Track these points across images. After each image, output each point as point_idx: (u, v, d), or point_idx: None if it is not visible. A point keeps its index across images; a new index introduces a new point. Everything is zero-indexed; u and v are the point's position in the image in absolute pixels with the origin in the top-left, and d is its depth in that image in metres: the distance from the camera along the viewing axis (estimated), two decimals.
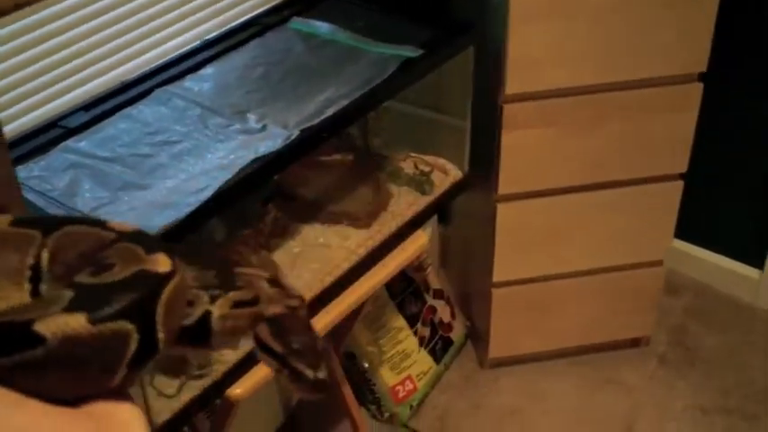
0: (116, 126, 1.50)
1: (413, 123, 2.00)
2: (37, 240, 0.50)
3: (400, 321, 2.26)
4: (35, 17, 1.55)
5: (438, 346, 2.36)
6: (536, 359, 2.41)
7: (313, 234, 1.73)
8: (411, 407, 2.28)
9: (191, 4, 1.79)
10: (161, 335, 0.45)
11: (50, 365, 0.41)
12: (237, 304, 0.64)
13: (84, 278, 0.46)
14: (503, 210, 2.09)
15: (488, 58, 1.88)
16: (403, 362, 2.26)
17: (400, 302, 2.27)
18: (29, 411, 0.40)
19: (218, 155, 1.43)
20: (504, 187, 2.05)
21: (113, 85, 1.62)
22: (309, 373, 0.64)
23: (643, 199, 2.14)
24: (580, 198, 2.11)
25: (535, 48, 1.86)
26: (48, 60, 1.59)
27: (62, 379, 0.42)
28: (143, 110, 1.54)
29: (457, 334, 2.42)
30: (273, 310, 0.67)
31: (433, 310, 2.34)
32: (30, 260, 0.49)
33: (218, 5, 1.84)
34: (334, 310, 1.66)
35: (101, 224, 0.52)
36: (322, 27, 1.76)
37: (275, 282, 0.69)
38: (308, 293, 1.60)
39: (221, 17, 1.85)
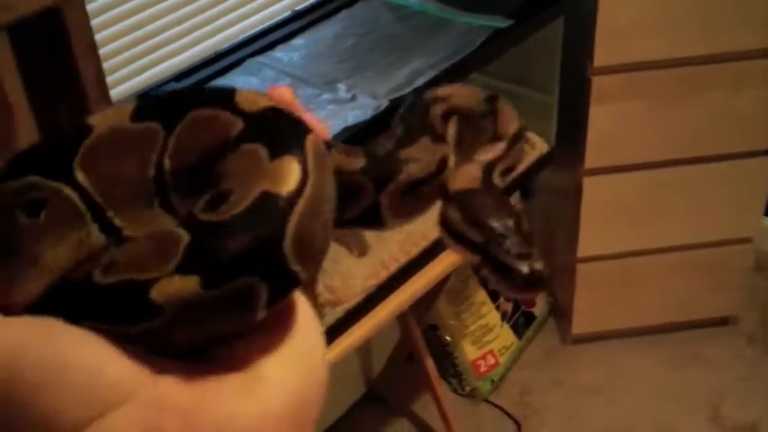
0: None
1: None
2: (159, 139, 0.42)
3: (483, 296, 2.26)
4: None
5: (520, 321, 2.35)
6: (619, 336, 2.38)
7: None
8: (492, 381, 2.28)
9: None
10: (296, 267, 0.38)
11: (174, 333, 0.36)
12: (411, 186, 0.53)
13: (199, 212, 0.39)
14: (589, 184, 2.07)
15: (577, 28, 1.85)
16: (485, 336, 2.26)
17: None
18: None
19: None
20: (590, 161, 2.03)
21: (205, 56, 1.64)
22: (522, 264, 0.49)
23: (732, 175, 2.10)
24: (668, 173, 2.08)
25: (625, 18, 1.83)
26: (142, 31, 1.62)
27: (192, 339, 0.37)
28: (234, 80, 1.56)
29: (539, 309, 2.41)
30: (461, 184, 0.54)
31: None
32: (150, 172, 0.42)
33: None
34: (418, 282, 1.66)
35: (230, 102, 0.42)
36: None
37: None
38: (394, 264, 1.61)
39: None
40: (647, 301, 2.31)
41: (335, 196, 0.42)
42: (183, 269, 0.35)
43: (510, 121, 0.59)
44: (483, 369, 2.26)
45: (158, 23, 1.64)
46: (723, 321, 2.41)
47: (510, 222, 0.51)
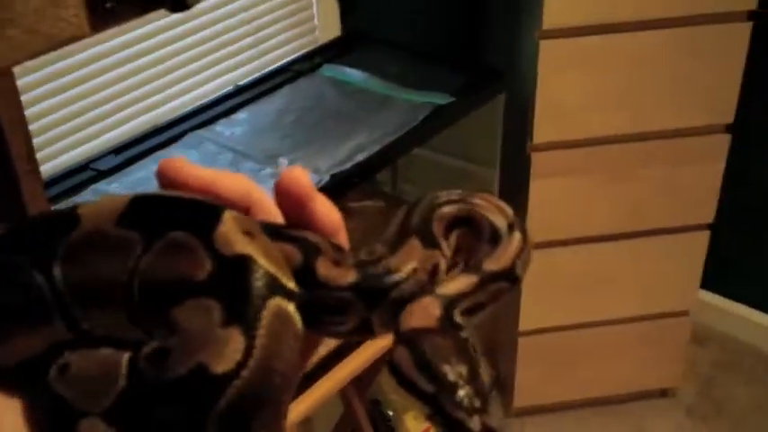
0: (147, 168, 1.51)
1: (441, 170, 2.00)
2: (135, 253, 0.41)
3: None
4: (69, 61, 1.57)
5: None
6: (562, 409, 2.38)
7: None
8: None
9: (223, 51, 1.81)
10: None
11: None
12: (403, 302, 0.47)
13: (145, 361, 0.39)
14: None
15: (518, 106, 1.88)
16: None
17: None
18: None
19: None
20: (532, 235, 2.04)
21: (145, 129, 1.63)
22: (473, 421, 0.44)
23: (670, 249, 2.13)
24: (608, 247, 2.10)
25: (564, 96, 1.87)
26: (81, 103, 1.61)
27: None
28: (174, 154, 1.55)
29: None
30: (415, 322, 0.47)
31: None
32: (121, 285, 0.41)
33: (251, 52, 1.86)
34: (359, 357, 1.65)
35: (208, 235, 0.40)
36: (354, 74, 1.77)
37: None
38: (332, 342, 1.59)
39: (254, 63, 1.87)
40: (588, 374, 2.32)
41: (297, 360, 0.40)
42: (107, 418, 0.37)
43: (508, 256, 0.51)
44: None
45: (99, 96, 1.63)
46: (663, 393, 2.42)
47: (464, 370, 0.45)
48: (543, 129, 1.90)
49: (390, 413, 2.19)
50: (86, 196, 1.46)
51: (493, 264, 0.51)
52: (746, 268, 2.54)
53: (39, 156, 1.57)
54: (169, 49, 1.72)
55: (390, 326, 0.48)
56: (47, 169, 1.58)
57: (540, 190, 1.98)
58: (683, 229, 2.12)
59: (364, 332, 0.49)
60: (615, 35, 1.81)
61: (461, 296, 0.50)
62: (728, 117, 1.96)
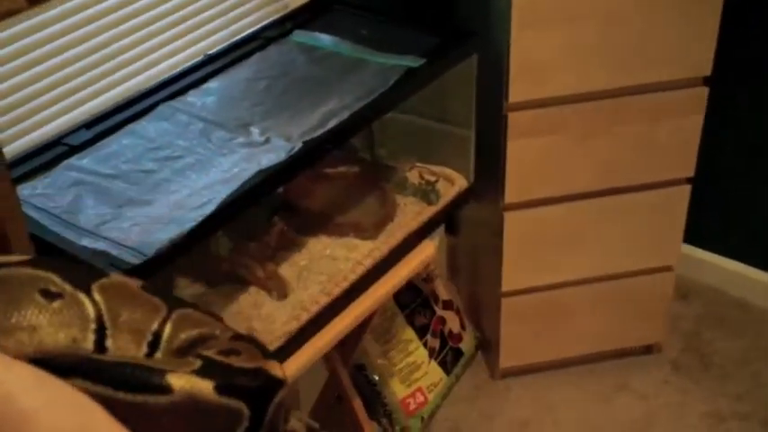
0: (119, 142, 1.50)
1: (418, 133, 1.99)
2: (162, 312, 0.53)
3: (409, 333, 2.25)
4: (38, 36, 1.55)
5: (448, 357, 2.34)
6: (547, 368, 2.39)
7: (319, 246, 1.72)
8: (422, 419, 2.27)
9: (192, 20, 1.80)
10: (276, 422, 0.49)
11: (167, 416, 0.43)
12: None
13: (212, 354, 0.49)
14: (510, 218, 2.08)
15: (492, 66, 1.87)
16: (413, 374, 2.25)
17: (409, 314, 2.25)
18: None
19: (221, 168, 1.42)
20: (510, 196, 2.05)
21: (116, 102, 1.61)
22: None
23: (651, 204, 2.13)
24: (588, 205, 2.10)
25: (538, 54, 1.86)
26: (51, 78, 1.60)
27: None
28: (146, 125, 1.54)
29: (467, 345, 2.40)
30: None
31: (443, 320, 2.33)
32: (154, 326, 0.51)
33: (220, 20, 1.85)
34: (342, 322, 1.65)
35: (220, 320, 0.56)
36: (324, 39, 1.76)
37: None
38: (316, 306, 1.59)
39: (224, 32, 1.85)
40: (572, 333, 2.33)
41: None
42: (200, 374, 0.45)
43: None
44: (412, 407, 2.25)
45: (69, 70, 1.62)
46: (648, 350, 2.44)
47: None
48: (518, 88, 1.89)
49: (376, 377, 2.20)
50: (60, 171, 1.45)
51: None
52: (728, 221, 2.55)
53: (10, 132, 1.56)
54: (139, 19, 1.70)
55: None
56: (19, 146, 1.57)
57: (517, 150, 1.97)
58: (663, 185, 2.12)
59: None
60: None
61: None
62: (706, 69, 1.96)
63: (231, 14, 1.85)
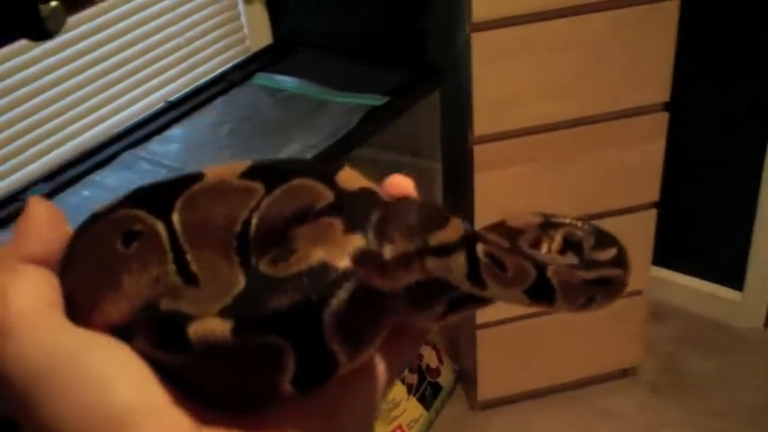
0: (79, 194, 1.48)
1: (387, 167, 1.99)
2: (256, 196, 0.42)
3: None
4: None
5: (427, 392, 2.33)
6: (527, 397, 2.38)
7: None
8: None
9: (153, 66, 1.79)
10: (334, 346, 0.36)
11: (198, 373, 0.36)
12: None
13: (263, 265, 0.38)
14: None
15: (457, 100, 1.88)
16: (392, 411, 2.23)
17: None
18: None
19: None
20: (480, 227, 2.04)
21: (75, 153, 1.60)
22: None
23: (619, 230, 2.03)
24: None
25: (500, 87, 1.87)
26: (9, 131, 1.58)
27: (217, 386, 0.37)
28: (108, 176, 1.52)
29: (445, 378, 2.39)
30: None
31: (420, 356, 2.32)
32: (237, 227, 0.42)
33: (181, 66, 1.84)
34: None
35: (331, 177, 0.43)
36: (286, 81, 1.76)
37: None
38: None
39: (185, 77, 1.85)
40: (549, 362, 2.32)
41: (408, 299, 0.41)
42: (224, 313, 0.36)
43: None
44: None
45: (26, 122, 1.60)
46: (625, 373, 2.44)
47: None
48: (482, 122, 1.89)
49: None
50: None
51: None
52: (696, 242, 2.56)
53: None
54: (97, 68, 1.69)
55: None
56: None
57: (484, 182, 1.97)
58: (629, 210, 2.12)
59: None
60: (543, 23, 1.81)
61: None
62: (665, 95, 1.97)
63: (192, 60, 1.85)
